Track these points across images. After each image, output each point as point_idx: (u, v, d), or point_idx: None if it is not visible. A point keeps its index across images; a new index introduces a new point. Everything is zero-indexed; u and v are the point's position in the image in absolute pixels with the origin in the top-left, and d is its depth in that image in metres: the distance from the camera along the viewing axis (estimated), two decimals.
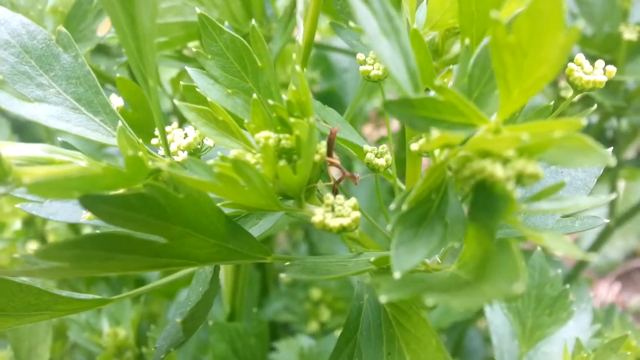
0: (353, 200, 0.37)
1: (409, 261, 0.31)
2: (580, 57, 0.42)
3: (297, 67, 0.36)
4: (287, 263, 0.39)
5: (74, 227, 0.89)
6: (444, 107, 0.30)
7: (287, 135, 0.37)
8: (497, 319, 0.63)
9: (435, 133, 0.29)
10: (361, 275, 0.40)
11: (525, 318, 0.61)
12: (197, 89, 0.44)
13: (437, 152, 0.35)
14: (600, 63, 0.42)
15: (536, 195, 0.31)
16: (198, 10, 0.43)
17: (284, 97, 0.39)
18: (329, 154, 0.40)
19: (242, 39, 0.42)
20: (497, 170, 0.29)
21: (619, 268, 1.60)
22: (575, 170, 0.46)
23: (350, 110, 0.63)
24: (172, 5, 0.63)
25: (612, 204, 0.97)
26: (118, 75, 0.58)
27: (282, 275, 0.37)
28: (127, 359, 0.71)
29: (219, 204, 0.37)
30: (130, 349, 0.72)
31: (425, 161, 0.44)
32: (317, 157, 0.38)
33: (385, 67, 0.34)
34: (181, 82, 0.47)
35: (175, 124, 0.45)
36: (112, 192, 0.36)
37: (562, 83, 0.84)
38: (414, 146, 0.37)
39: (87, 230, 0.92)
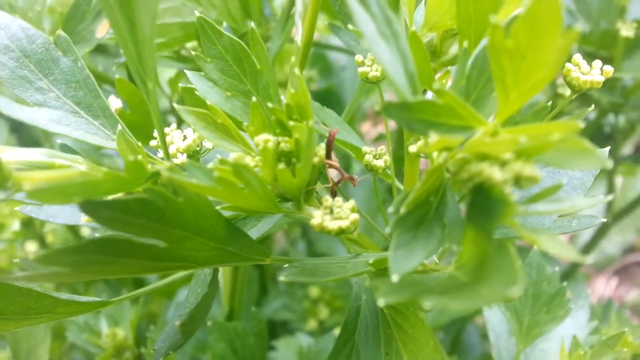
0: (351, 203, 0.37)
1: (407, 264, 0.31)
2: (577, 57, 0.42)
3: (296, 70, 0.36)
4: (286, 265, 0.40)
5: (73, 227, 0.89)
6: (442, 110, 0.30)
7: (286, 138, 0.37)
8: (495, 317, 0.63)
9: (433, 137, 0.29)
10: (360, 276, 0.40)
11: (522, 315, 0.61)
12: (195, 92, 0.44)
13: (435, 154, 0.35)
14: (597, 63, 0.42)
15: (534, 196, 0.31)
16: (196, 11, 0.43)
17: (283, 98, 0.39)
18: (328, 156, 0.40)
19: (241, 42, 0.42)
20: (495, 173, 0.29)
21: (616, 263, 1.61)
22: (572, 170, 0.46)
23: (349, 110, 0.63)
24: (170, 5, 0.63)
25: (609, 200, 0.98)
26: (117, 76, 0.58)
27: (282, 278, 0.37)
28: (126, 359, 0.71)
29: (217, 207, 0.37)
30: (129, 350, 0.72)
31: (423, 161, 0.45)
32: (316, 160, 0.38)
33: (384, 69, 0.34)
34: (180, 84, 0.47)
35: (174, 125, 0.45)
36: (111, 196, 0.36)
37: (560, 80, 0.84)
38: (412, 148, 0.37)
39: (85, 231, 0.92)
